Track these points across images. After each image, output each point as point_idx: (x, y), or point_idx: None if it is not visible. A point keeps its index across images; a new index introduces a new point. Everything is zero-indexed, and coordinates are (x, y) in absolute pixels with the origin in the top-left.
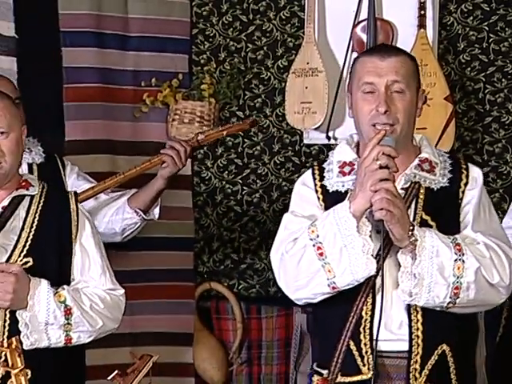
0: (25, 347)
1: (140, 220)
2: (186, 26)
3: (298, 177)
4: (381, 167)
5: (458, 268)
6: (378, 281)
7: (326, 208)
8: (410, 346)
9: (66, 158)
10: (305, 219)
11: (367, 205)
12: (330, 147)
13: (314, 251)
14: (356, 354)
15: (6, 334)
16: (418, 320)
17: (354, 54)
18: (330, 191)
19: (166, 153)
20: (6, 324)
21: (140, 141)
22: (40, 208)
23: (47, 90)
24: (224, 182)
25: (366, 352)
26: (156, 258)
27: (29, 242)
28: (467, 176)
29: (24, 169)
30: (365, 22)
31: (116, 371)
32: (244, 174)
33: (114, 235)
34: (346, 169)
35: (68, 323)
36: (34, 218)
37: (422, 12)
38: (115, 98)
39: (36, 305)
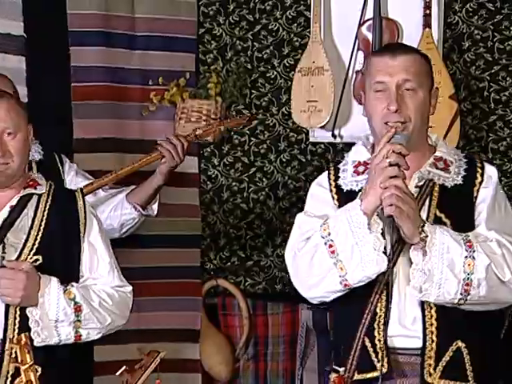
0: (35, 344)
1: (138, 215)
2: (192, 26)
3: (303, 175)
4: (391, 165)
5: (469, 265)
6: (393, 277)
7: (341, 207)
8: (424, 342)
9: (75, 157)
10: (317, 219)
11: (378, 202)
12: (335, 145)
13: (325, 249)
14: (371, 350)
15: (17, 330)
16: (431, 316)
17: (360, 53)
18: (345, 190)
19: (164, 147)
20: (17, 321)
21: (147, 139)
22: (48, 207)
23: (55, 89)
24: (230, 180)
25: (380, 348)
26: (163, 255)
27: (38, 241)
28: (482, 174)
29: None
30: (370, 22)
31: (124, 367)
32: (250, 172)
33: (113, 231)
34: (361, 168)
35: (78, 320)
36: (43, 216)
37: (427, 11)
38: (123, 96)
39: (46, 302)
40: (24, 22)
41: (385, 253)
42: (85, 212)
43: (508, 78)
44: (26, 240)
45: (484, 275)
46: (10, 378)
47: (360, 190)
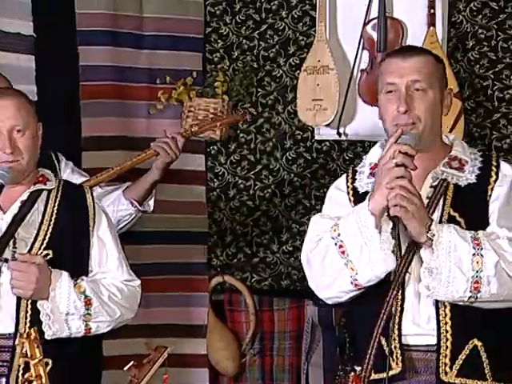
0: (46, 337)
1: (135, 211)
2: (199, 25)
3: (309, 172)
4: (397, 165)
5: (477, 262)
6: (407, 277)
7: None
8: (439, 340)
9: (83, 154)
10: (330, 220)
11: (384, 202)
12: (340, 143)
13: (336, 250)
14: (387, 349)
15: (28, 324)
16: (446, 315)
17: (365, 52)
18: (361, 192)
19: (157, 144)
20: (28, 315)
21: (155, 137)
22: (58, 202)
23: (64, 88)
24: (237, 178)
25: (395, 347)
26: (171, 251)
27: (48, 235)
28: (497, 173)
29: None
30: (375, 21)
31: (132, 362)
32: (256, 170)
33: None
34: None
35: (88, 313)
36: (53, 211)
37: (432, 11)
38: (130, 95)
39: (57, 296)
40: (33, 21)
41: (394, 252)
42: (94, 207)
43: (511, 77)
44: (37, 235)
45: (493, 272)
46: (21, 372)
47: None
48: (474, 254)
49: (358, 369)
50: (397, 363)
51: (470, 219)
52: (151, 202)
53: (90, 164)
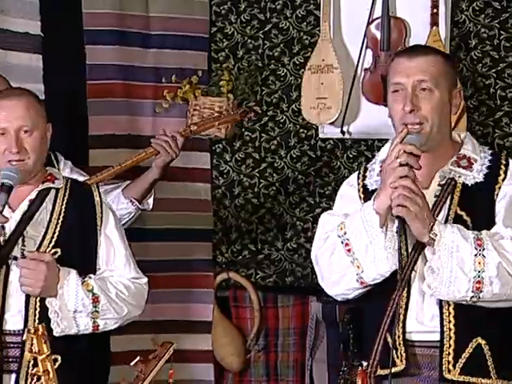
0: (55, 334)
1: (135, 209)
2: (205, 25)
3: (313, 170)
4: (401, 165)
5: (479, 263)
6: (413, 275)
7: None
8: (442, 338)
9: (90, 153)
10: (339, 218)
11: (389, 202)
12: (344, 141)
13: (342, 248)
14: (392, 346)
15: (37, 321)
16: (449, 313)
17: (368, 51)
18: (370, 190)
19: (157, 143)
20: (37, 312)
21: None
22: (65, 201)
23: (71, 87)
24: (242, 176)
25: (399, 344)
26: (176, 248)
27: (56, 234)
28: (506, 172)
29: None
30: (379, 20)
31: (138, 357)
32: (261, 168)
33: None
34: None
35: (96, 311)
36: (61, 210)
37: (435, 10)
38: (137, 94)
39: (66, 293)
40: (41, 21)
41: (400, 250)
42: (101, 205)
43: None
44: (45, 233)
45: (495, 273)
46: (31, 367)
47: None
48: (476, 255)
49: (365, 364)
50: (401, 360)
51: (476, 218)
52: (150, 201)
53: (96, 162)
